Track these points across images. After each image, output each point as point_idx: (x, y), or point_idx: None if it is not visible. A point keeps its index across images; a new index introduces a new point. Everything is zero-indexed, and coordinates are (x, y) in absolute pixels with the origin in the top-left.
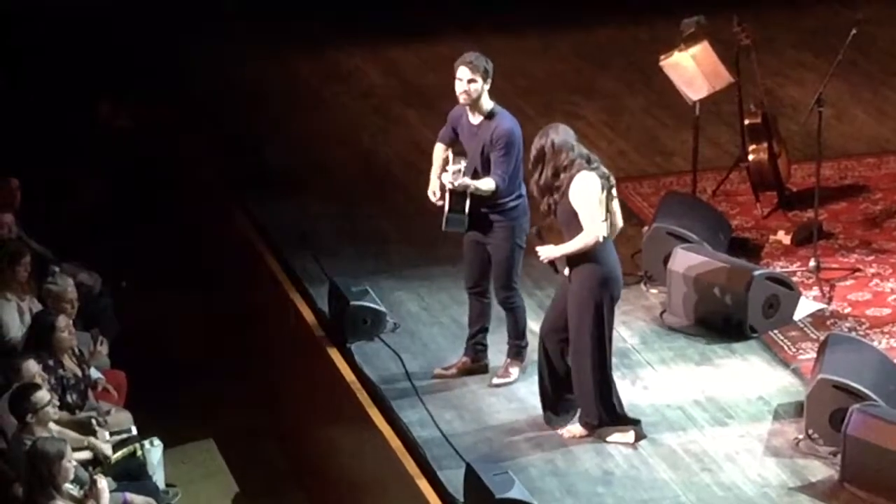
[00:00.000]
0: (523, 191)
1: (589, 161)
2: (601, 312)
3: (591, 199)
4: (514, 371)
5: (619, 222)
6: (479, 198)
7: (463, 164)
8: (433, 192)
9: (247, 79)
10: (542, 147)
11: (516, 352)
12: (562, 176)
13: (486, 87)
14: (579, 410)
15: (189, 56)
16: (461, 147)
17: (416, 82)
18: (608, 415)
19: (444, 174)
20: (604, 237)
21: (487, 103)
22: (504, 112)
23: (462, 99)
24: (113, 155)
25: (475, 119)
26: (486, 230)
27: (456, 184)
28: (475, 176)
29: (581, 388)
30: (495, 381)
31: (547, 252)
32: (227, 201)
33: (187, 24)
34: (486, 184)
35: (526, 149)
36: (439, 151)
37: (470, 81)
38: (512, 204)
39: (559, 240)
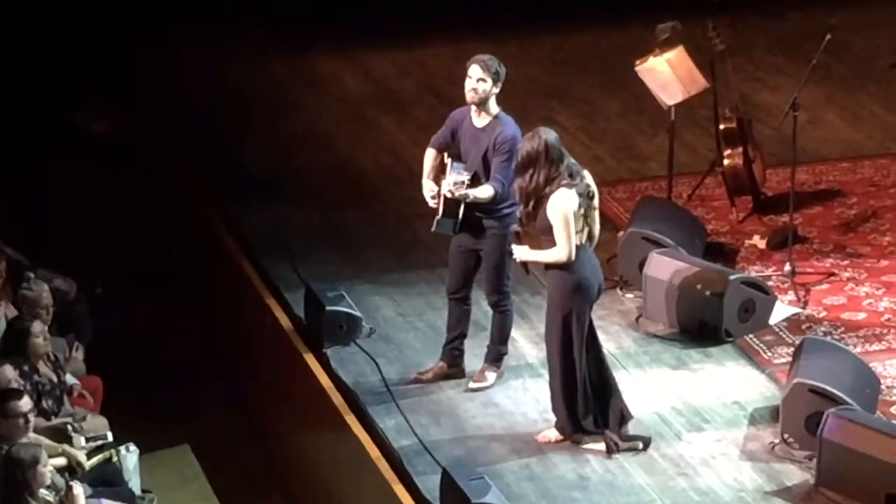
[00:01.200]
0: (517, 198)
1: (572, 175)
2: (570, 320)
3: (566, 218)
4: (491, 376)
5: (597, 232)
6: (474, 203)
7: (466, 177)
8: (430, 191)
9: (224, 84)
10: (534, 151)
11: (495, 357)
12: (547, 189)
13: (496, 90)
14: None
15: (167, 61)
16: (456, 150)
17: (392, 88)
18: (571, 424)
19: (444, 181)
20: (576, 248)
21: (494, 107)
22: (509, 119)
23: (469, 97)
24: (90, 160)
25: (480, 122)
26: (479, 236)
27: (457, 195)
28: (475, 181)
29: (552, 394)
30: (472, 385)
31: (521, 253)
32: (204, 206)
33: (165, 29)
34: (485, 191)
35: None
36: (430, 156)
37: (480, 80)
38: (507, 211)
39: (534, 244)
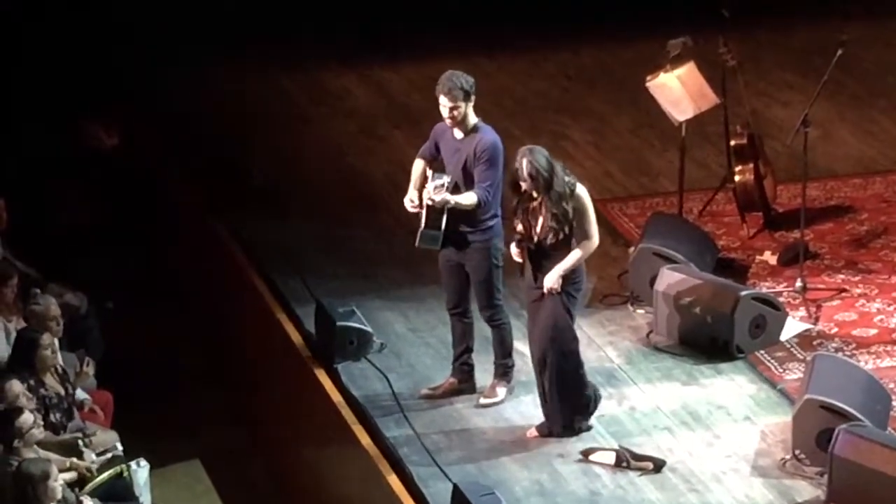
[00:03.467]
0: (499, 210)
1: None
2: (572, 316)
3: (591, 206)
4: (501, 391)
5: None
6: (458, 214)
7: (446, 179)
8: (410, 200)
9: (233, 98)
10: (546, 164)
11: (503, 371)
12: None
13: (470, 104)
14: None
15: (175, 75)
16: (441, 165)
17: (402, 102)
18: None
19: (426, 188)
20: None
21: (472, 118)
22: (488, 127)
23: (449, 122)
24: (99, 175)
25: (459, 133)
26: (463, 250)
27: (437, 199)
28: (456, 191)
29: (555, 394)
30: (482, 401)
31: (551, 282)
32: (214, 221)
33: (174, 43)
34: (468, 198)
35: (508, 164)
36: (418, 167)
37: (453, 108)
38: (489, 223)
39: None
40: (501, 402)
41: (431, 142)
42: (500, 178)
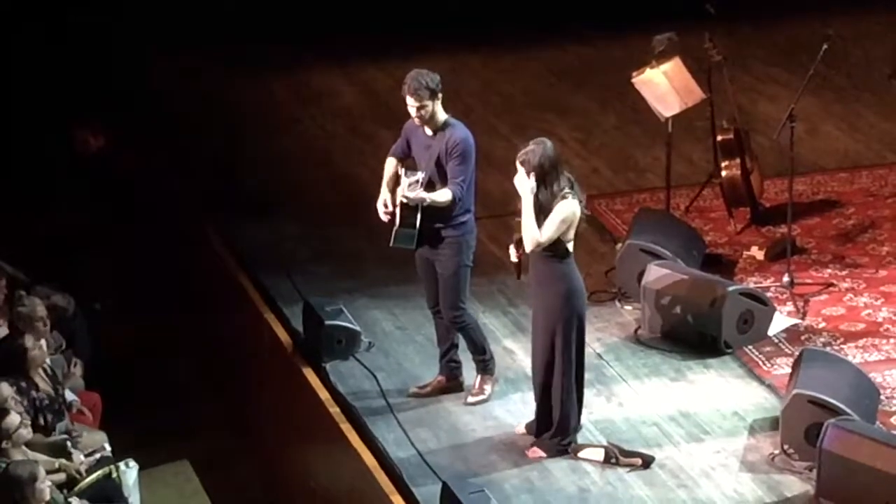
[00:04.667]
0: (473, 207)
1: (572, 186)
2: (571, 325)
3: (564, 220)
4: (487, 388)
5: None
6: (431, 211)
7: (420, 175)
8: (383, 203)
9: (221, 100)
10: (547, 161)
11: (483, 367)
12: (557, 198)
13: (438, 101)
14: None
15: (163, 78)
16: (413, 163)
17: (389, 102)
18: (565, 431)
19: (399, 186)
20: (570, 254)
21: (441, 115)
22: (458, 123)
23: (417, 122)
24: (87, 177)
25: (430, 130)
26: (435, 245)
27: (411, 196)
28: (430, 188)
29: (545, 401)
30: (469, 399)
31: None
32: (202, 222)
33: (161, 46)
34: (443, 195)
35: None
36: (391, 165)
37: (420, 108)
38: (462, 219)
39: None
40: (488, 398)
41: (403, 139)
42: (473, 174)
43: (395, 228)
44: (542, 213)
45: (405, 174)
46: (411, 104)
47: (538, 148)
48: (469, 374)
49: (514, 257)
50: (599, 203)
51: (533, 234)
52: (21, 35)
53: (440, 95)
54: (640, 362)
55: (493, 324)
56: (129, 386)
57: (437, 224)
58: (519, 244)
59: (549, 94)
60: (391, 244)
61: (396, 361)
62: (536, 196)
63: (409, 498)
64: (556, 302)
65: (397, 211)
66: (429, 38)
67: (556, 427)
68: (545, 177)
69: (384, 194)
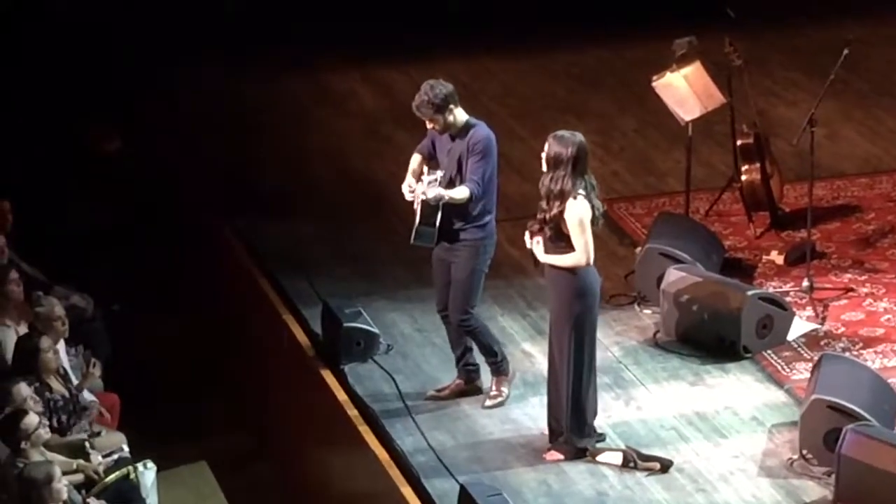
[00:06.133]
0: (494, 210)
1: (589, 191)
2: (581, 322)
3: (583, 223)
4: (504, 389)
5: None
6: (451, 209)
7: (439, 174)
8: (408, 186)
9: (240, 100)
10: (565, 153)
11: (496, 369)
12: (569, 195)
13: (455, 108)
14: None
15: (181, 78)
16: (435, 164)
17: (407, 103)
18: (578, 430)
19: (420, 184)
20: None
21: (461, 118)
22: (480, 123)
23: (438, 132)
24: (104, 178)
25: (451, 136)
26: (453, 246)
27: (430, 195)
28: (450, 186)
29: (558, 400)
30: (487, 403)
31: (535, 250)
32: (220, 223)
33: (180, 46)
34: (460, 192)
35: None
36: (416, 160)
37: (430, 122)
38: (482, 221)
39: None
40: (506, 400)
41: (428, 140)
42: (494, 174)
43: (415, 226)
44: (551, 199)
45: (427, 172)
46: (426, 119)
47: (558, 143)
48: (487, 377)
49: (529, 244)
50: (619, 207)
51: (577, 260)
52: (33, 31)
53: (452, 106)
54: (659, 366)
55: (511, 327)
56: (148, 387)
57: (457, 224)
58: (534, 232)
59: (568, 97)
60: (411, 241)
61: (415, 364)
62: (547, 185)
63: (426, 500)
64: (567, 298)
65: (417, 208)
66: (446, 40)
67: (569, 429)
68: (556, 167)
69: (409, 180)
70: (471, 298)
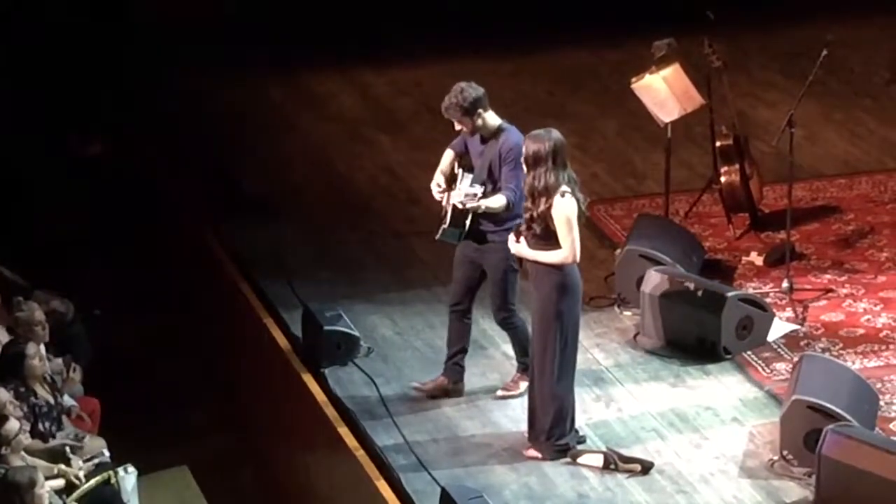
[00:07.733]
0: (521, 211)
1: (571, 184)
2: (563, 320)
3: (570, 221)
4: (523, 385)
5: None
6: (483, 214)
7: (479, 190)
8: (437, 184)
9: (220, 104)
10: (543, 151)
11: (524, 367)
12: (553, 191)
13: (485, 112)
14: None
15: (162, 82)
16: (468, 161)
17: (388, 107)
18: (558, 428)
19: (455, 192)
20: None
21: (493, 121)
22: (512, 128)
23: (469, 134)
24: (85, 182)
25: (481, 138)
26: (483, 249)
27: (468, 206)
28: (483, 192)
29: (538, 398)
30: (500, 392)
31: (520, 250)
32: (201, 227)
33: (160, 52)
34: (497, 201)
35: None
36: (447, 157)
37: (458, 124)
38: (510, 225)
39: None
40: (521, 394)
41: (461, 138)
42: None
43: (442, 227)
44: (537, 196)
45: (461, 178)
46: (456, 123)
47: (535, 142)
48: (469, 380)
49: (514, 248)
50: (598, 208)
51: (564, 257)
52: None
53: (481, 110)
54: (640, 368)
55: (492, 328)
56: (129, 391)
57: (487, 226)
58: (519, 234)
59: (548, 99)
60: (436, 238)
61: (395, 367)
62: (531, 183)
63: (408, 503)
64: (553, 294)
65: (448, 211)
66: (429, 44)
67: (549, 427)
68: (537, 165)
69: (437, 178)
70: (509, 297)
